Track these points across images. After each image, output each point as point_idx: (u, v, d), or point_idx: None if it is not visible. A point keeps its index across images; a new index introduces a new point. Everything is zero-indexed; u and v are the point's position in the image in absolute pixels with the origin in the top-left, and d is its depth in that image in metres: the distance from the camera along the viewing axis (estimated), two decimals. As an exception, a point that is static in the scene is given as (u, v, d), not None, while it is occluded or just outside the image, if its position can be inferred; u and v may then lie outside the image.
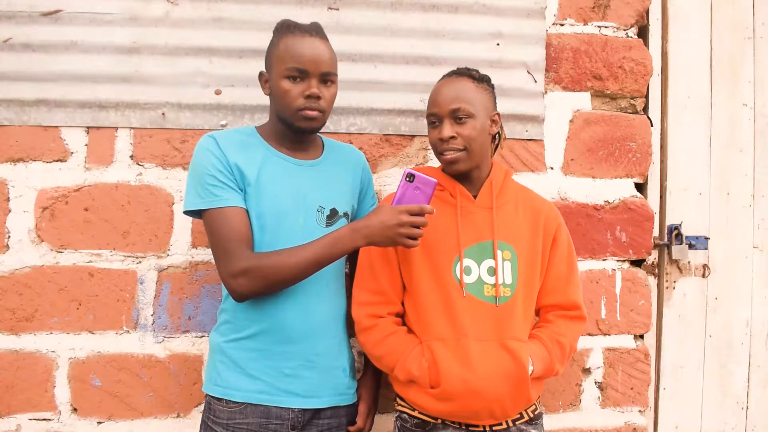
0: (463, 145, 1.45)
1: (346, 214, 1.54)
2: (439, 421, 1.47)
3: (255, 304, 1.43)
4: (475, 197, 1.53)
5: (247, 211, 1.43)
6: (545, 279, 1.56)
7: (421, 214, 1.35)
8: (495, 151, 1.62)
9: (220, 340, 1.47)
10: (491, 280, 1.47)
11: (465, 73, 1.52)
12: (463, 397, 1.40)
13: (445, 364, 1.41)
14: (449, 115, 1.45)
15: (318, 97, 1.42)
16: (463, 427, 1.46)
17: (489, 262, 1.48)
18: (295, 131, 1.48)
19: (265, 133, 1.51)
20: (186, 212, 1.47)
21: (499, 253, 1.48)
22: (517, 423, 1.48)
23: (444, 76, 1.55)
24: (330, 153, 1.58)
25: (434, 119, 1.49)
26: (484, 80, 1.52)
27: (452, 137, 1.45)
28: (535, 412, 1.52)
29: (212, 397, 1.45)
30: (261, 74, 1.50)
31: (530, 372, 1.43)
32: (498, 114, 1.53)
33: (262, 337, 1.43)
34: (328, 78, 1.44)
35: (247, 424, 1.41)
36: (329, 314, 1.50)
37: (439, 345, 1.44)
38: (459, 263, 1.47)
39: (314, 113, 1.43)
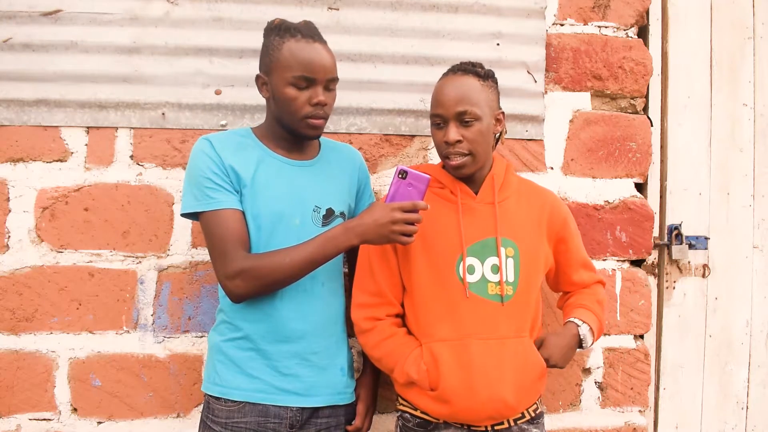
0: (469, 150, 1.42)
1: (342, 213, 1.53)
2: (441, 421, 1.47)
3: (251, 304, 1.43)
4: (476, 193, 1.50)
5: (243, 213, 1.43)
6: (568, 266, 1.60)
7: (414, 210, 1.35)
8: (495, 146, 1.58)
9: (219, 340, 1.47)
10: (495, 278, 1.45)
11: (470, 70, 1.45)
12: (464, 399, 1.40)
13: (446, 365, 1.41)
14: (455, 118, 1.41)
15: (324, 104, 1.42)
16: (465, 427, 1.46)
17: (493, 260, 1.45)
18: (298, 138, 1.48)
19: (261, 134, 1.51)
20: (183, 215, 1.47)
21: (502, 250, 1.46)
22: (518, 422, 1.47)
23: (448, 72, 1.48)
24: (326, 153, 1.57)
25: (439, 120, 1.44)
26: (489, 77, 1.47)
27: (458, 141, 1.41)
28: (537, 411, 1.51)
29: (211, 396, 1.45)
30: (258, 77, 1.47)
31: (590, 341, 1.53)
32: (502, 112, 1.49)
33: (258, 337, 1.43)
34: (331, 84, 1.45)
35: (246, 423, 1.41)
36: (325, 313, 1.50)
37: (441, 346, 1.43)
38: (462, 262, 1.45)
39: (320, 122, 1.43)
